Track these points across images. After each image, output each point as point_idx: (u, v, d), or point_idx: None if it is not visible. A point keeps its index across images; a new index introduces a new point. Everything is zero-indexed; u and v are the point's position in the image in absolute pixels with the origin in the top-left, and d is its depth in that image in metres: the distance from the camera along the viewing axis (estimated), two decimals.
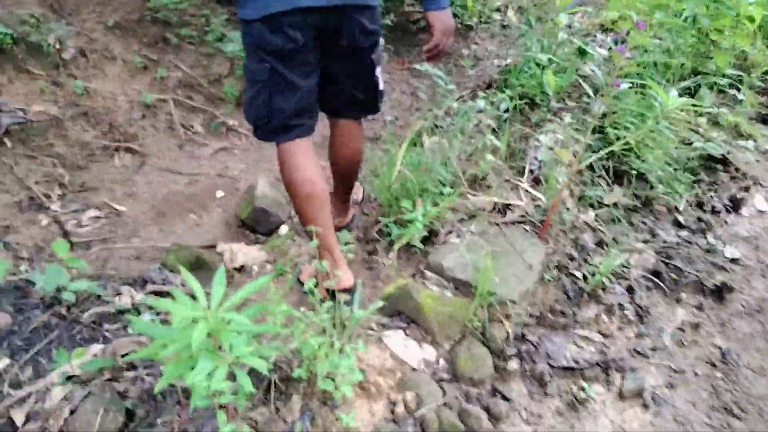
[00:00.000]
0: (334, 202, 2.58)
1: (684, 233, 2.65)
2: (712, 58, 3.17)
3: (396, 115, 3.64)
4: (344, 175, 2.40)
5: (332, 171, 2.42)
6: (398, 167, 2.31)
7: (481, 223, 2.35)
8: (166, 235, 2.73)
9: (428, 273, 2.14)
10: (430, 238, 2.35)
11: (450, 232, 2.30)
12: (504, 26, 4.71)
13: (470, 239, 2.25)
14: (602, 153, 2.58)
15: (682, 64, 3.09)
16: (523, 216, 2.42)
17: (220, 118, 3.29)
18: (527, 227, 2.38)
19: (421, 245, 2.25)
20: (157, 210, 2.88)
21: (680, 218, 2.70)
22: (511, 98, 3.40)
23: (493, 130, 3.18)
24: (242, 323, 1.42)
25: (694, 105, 2.07)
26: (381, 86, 2.17)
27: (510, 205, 2.47)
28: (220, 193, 2.99)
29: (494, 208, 2.48)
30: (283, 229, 2.70)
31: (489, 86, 3.90)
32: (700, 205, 2.79)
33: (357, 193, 2.82)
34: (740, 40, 3.15)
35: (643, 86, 3.07)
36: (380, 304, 1.86)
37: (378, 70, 2.11)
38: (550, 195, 2.50)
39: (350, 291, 2.04)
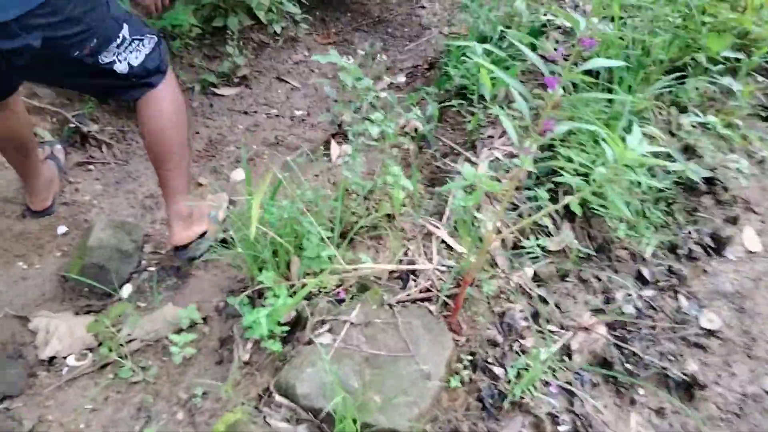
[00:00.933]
0: (168, 216, 2.08)
1: (649, 292, 2.02)
2: (699, 48, 2.46)
3: (307, 110, 2.93)
4: (155, 163, 2.02)
5: None
6: (255, 223, 1.63)
7: (369, 304, 1.72)
8: None
9: (278, 397, 1.52)
10: (297, 327, 1.72)
11: (322, 323, 1.67)
12: None
13: (346, 336, 1.62)
14: (543, 194, 1.95)
15: (662, 61, 2.39)
16: (428, 289, 1.79)
17: (74, 122, 2.58)
18: (433, 307, 1.75)
19: (277, 347, 1.62)
20: None
21: (645, 271, 2.07)
22: (447, 91, 2.72)
23: (416, 138, 2.51)
24: None
25: (656, 154, 1.41)
26: (129, 65, 1.76)
27: (415, 270, 1.84)
28: (62, 229, 2.33)
29: (394, 273, 1.85)
30: (126, 291, 2.06)
31: (431, 67, 3.20)
32: (673, 248, 2.16)
33: (217, 205, 2.21)
34: (744, 22, 2.44)
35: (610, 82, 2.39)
36: None
37: (117, 56, 1.72)
38: (471, 250, 1.86)
39: None
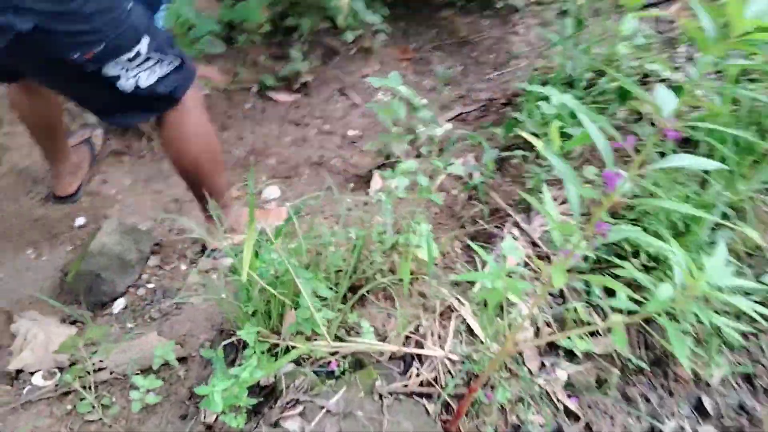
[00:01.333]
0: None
1: (707, 429, 1.66)
2: None
3: (362, 131, 2.69)
4: (188, 183, 1.91)
5: None
6: (246, 269, 1.41)
7: (356, 388, 1.46)
8: None
9: None
10: (272, 397, 1.49)
11: (295, 403, 1.43)
12: (564, 12, 3.56)
13: (318, 426, 1.38)
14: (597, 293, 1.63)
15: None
16: (431, 383, 1.51)
17: None
18: (431, 407, 1.48)
19: (238, 422, 1.40)
20: None
21: (707, 401, 1.70)
22: (516, 137, 2.40)
23: (468, 186, 2.23)
24: None
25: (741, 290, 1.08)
26: (136, 84, 1.54)
27: (420, 356, 1.56)
28: (80, 220, 2.22)
29: (397, 354, 1.58)
30: (118, 305, 1.91)
31: (508, 102, 2.88)
32: (749, 379, 1.77)
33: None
34: None
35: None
36: None
37: (126, 71, 1.50)
38: (494, 339, 1.57)
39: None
